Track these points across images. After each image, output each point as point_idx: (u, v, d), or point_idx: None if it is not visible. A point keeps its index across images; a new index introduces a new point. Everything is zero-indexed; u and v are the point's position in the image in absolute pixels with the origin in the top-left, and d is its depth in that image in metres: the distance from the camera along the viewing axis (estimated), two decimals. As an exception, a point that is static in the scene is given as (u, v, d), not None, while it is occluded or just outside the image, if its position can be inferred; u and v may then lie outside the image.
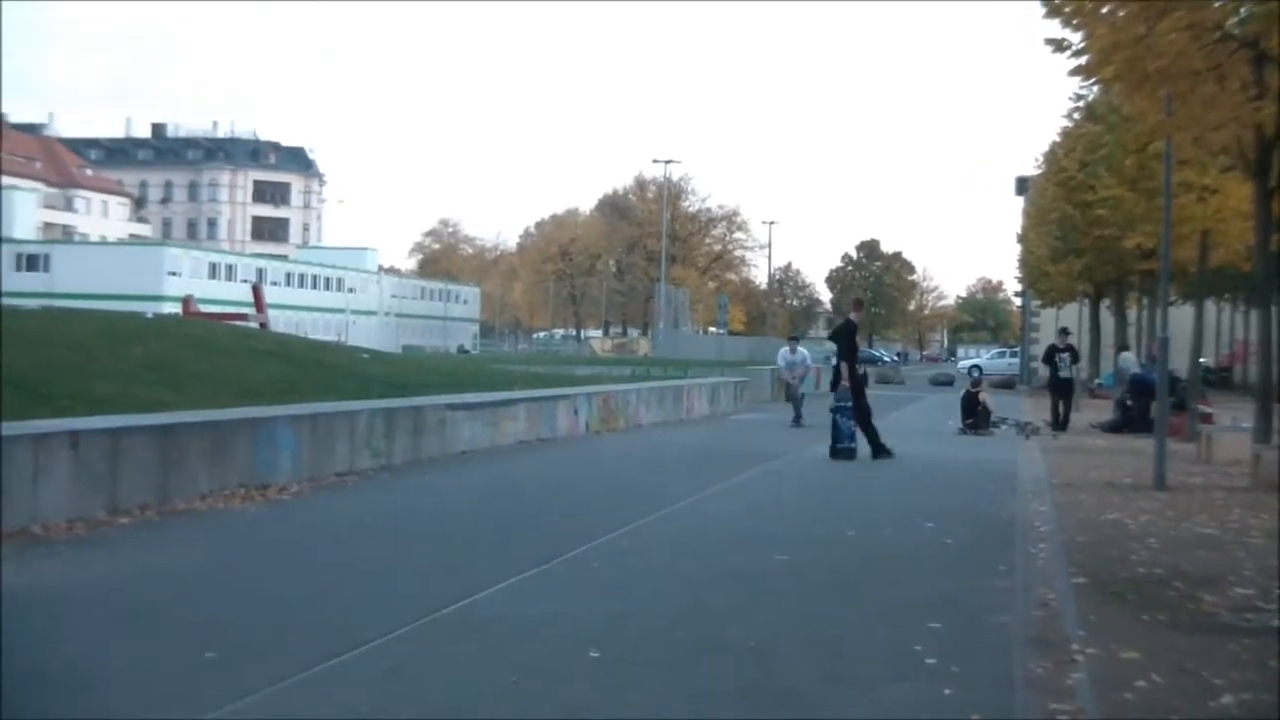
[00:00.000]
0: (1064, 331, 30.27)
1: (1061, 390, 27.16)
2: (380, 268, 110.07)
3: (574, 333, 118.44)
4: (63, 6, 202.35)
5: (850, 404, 18.66)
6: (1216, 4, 15.17)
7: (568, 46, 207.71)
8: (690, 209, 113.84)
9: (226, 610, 7.74)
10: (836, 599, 8.58)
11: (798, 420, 26.41)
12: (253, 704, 5.73)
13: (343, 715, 5.64)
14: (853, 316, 20.87)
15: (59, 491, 10.19)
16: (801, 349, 31.82)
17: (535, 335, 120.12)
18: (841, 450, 18.54)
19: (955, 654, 6.83)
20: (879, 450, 18.69)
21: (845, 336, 19.45)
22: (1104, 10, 14.56)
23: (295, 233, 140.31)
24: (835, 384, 19.01)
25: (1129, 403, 25.98)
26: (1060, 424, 26.27)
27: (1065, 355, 27.39)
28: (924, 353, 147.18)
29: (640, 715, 5.74)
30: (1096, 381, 42.44)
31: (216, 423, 12.82)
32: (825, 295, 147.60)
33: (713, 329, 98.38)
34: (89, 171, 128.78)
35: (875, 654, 6.99)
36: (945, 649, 6.94)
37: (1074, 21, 14.89)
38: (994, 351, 72.20)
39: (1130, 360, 31.33)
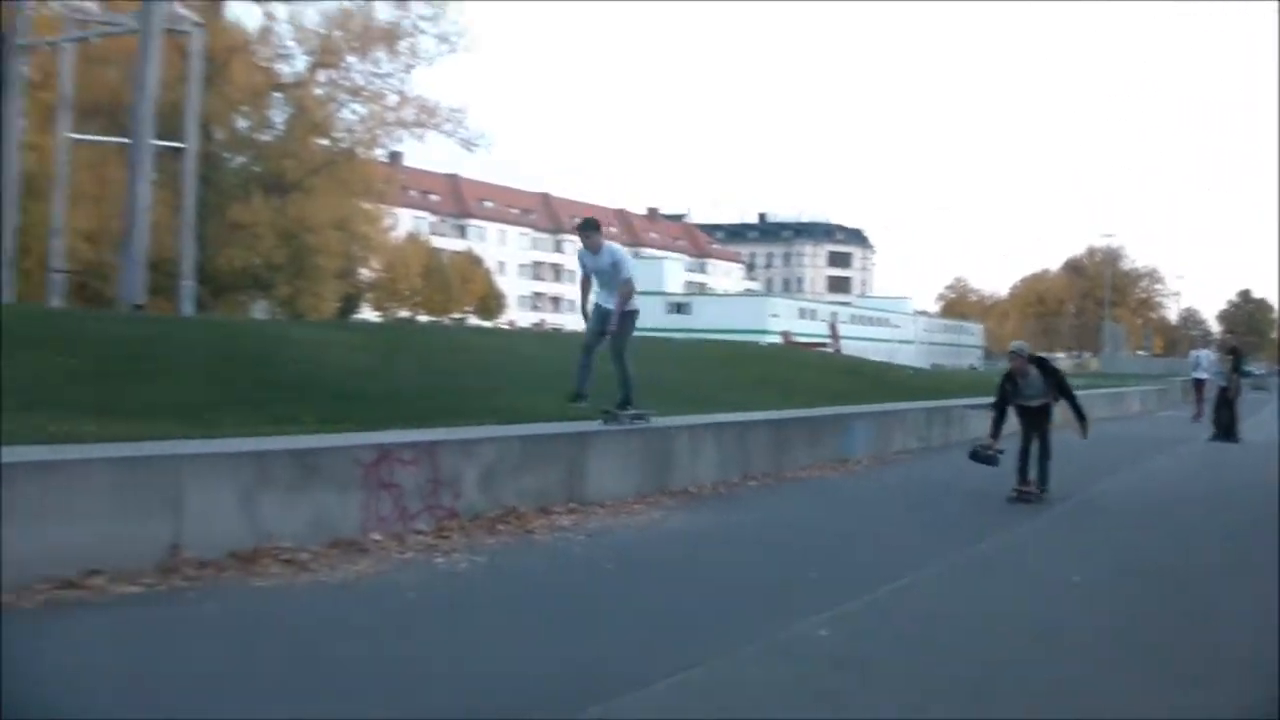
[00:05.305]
0: None
1: None
2: (914, 311, 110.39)
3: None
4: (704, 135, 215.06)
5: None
6: None
7: (1041, 158, 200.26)
8: (1124, 268, 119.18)
9: (823, 544, 8.27)
10: (1235, 547, 8.55)
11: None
12: (844, 613, 5.93)
13: (918, 619, 5.97)
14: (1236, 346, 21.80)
15: (708, 464, 10.92)
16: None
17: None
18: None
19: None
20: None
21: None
22: None
23: (855, 287, 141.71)
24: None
25: None
26: None
27: None
28: None
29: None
30: None
31: (812, 418, 13.57)
32: (1216, 328, 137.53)
33: (1140, 352, 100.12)
34: (715, 246, 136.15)
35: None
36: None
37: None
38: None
39: None
